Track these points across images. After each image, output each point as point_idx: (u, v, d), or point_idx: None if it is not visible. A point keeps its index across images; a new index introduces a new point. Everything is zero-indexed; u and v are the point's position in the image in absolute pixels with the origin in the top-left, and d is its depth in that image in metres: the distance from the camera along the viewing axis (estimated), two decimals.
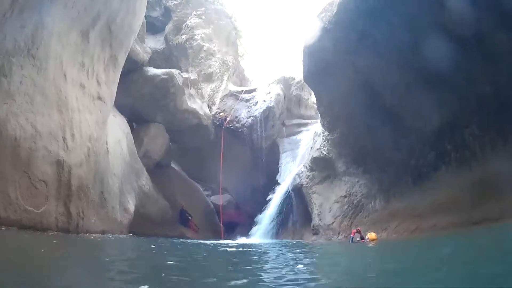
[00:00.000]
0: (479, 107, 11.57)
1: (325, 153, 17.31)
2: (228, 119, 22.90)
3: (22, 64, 8.37)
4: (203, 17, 26.42)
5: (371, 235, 13.13)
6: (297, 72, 25.98)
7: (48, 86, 9.37)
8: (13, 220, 7.83)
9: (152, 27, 25.63)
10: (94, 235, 10.95)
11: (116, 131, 15.93)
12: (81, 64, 11.26)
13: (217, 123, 22.76)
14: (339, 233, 16.45)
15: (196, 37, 25.55)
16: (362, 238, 13.58)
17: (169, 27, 25.86)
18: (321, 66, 15.70)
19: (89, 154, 11.10)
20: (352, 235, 13.87)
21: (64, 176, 9.64)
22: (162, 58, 25.19)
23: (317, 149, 17.83)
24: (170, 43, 25.64)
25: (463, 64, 11.10)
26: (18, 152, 8.15)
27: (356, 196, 16.26)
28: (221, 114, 23.07)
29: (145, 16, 19.75)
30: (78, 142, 10.46)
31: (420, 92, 12.42)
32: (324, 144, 17.34)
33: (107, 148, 13.60)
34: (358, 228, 14.16)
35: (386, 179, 15.03)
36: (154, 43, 25.70)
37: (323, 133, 17.55)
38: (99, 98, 12.33)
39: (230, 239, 19.77)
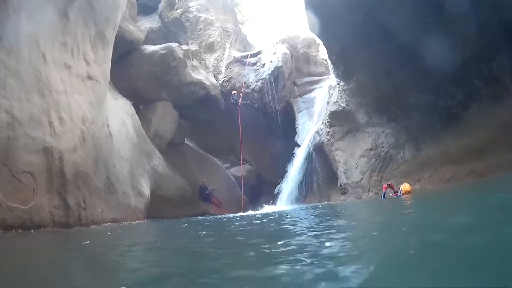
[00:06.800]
0: (505, 36, 10.49)
1: (343, 105, 15.98)
2: (241, 94, 21.60)
3: None
4: None
5: (404, 186, 12.04)
6: (301, 30, 24.89)
7: (23, 68, 8.36)
8: None
9: (145, 8, 24.67)
10: (99, 226, 10.04)
11: (119, 113, 15.09)
12: (63, 43, 10.22)
13: (232, 101, 21.55)
14: (369, 190, 15.37)
15: (191, 9, 24.29)
16: (395, 192, 12.51)
17: (162, 4, 24.63)
18: (327, 12, 14.23)
19: (84, 138, 10.14)
20: (384, 191, 12.79)
21: (54, 164, 8.69)
22: (159, 36, 24.06)
23: (334, 102, 16.49)
24: (166, 20, 24.44)
25: None
26: None
27: (383, 147, 15.04)
28: (234, 91, 21.84)
29: None
30: (68, 125, 9.50)
31: (439, 27, 11.16)
32: (341, 96, 16.00)
33: (109, 131, 12.71)
34: (389, 183, 13.09)
35: (414, 126, 13.82)
36: (150, 23, 24.70)
37: (338, 84, 16.19)
38: (90, 77, 11.33)
39: (255, 209, 18.97)
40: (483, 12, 10.47)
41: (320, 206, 14.52)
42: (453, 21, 10.94)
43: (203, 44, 23.89)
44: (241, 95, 21.58)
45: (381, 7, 12.41)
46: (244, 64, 22.80)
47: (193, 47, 22.83)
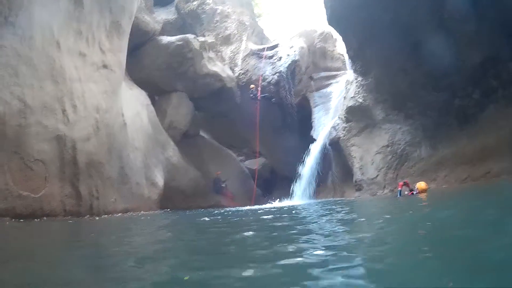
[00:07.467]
0: None
1: (360, 100, 15.71)
2: (259, 88, 21.38)
3: None
4: None
5: (420, 185, 11.80)
6: (319, 25, 24.43)
7: (37, 56, 8.35)
8: (3, 209, 6.88)
9: None
10: (107, 216, 9.90)
11: (134, 104, 15.07)
12: (78, 32, 10.19)
13: (251, 96, 21.34)
14: (384, 187, 15.11)
15: (207, 1, 24.03)
16: (411, 190, 12.25)
17: None
18: (344, 6, 13.98)
19: (98, 127, 10.12)
20: (399, 188, 12.54)
21: (67, 152, 8.67)
22: (175, 28, 23.85)
23: (351, 97, 16.21)
24: (182, 11, 24.24)
25: None
26: (4, 131, 7.21)
27: (400, 144, 14.77)
28: (252, 86, 21.62)
29: None
30: (82, 114, 9.48)
31: (456, 25, 10.92)
32: (359, 91, 15.73)
33: (123, 120, 12.68)
34: (405, 180, 12.83)
35: (430, 124, 13.58)
36: (166, 14, 24.42)
37: (355, 79, 15.91)
38: (105, 66, 11.30)
39: (268, 202, 18.82)
40: (499, 11, 10.23)
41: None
42: (470, 18, 10.65)
43: (220, 36, 23.68)
44: (259, 88, 21.37)
45: (397, 3, 12.15)
46: (261, 57, 22.57)
47: (210, 39, 22.66)
